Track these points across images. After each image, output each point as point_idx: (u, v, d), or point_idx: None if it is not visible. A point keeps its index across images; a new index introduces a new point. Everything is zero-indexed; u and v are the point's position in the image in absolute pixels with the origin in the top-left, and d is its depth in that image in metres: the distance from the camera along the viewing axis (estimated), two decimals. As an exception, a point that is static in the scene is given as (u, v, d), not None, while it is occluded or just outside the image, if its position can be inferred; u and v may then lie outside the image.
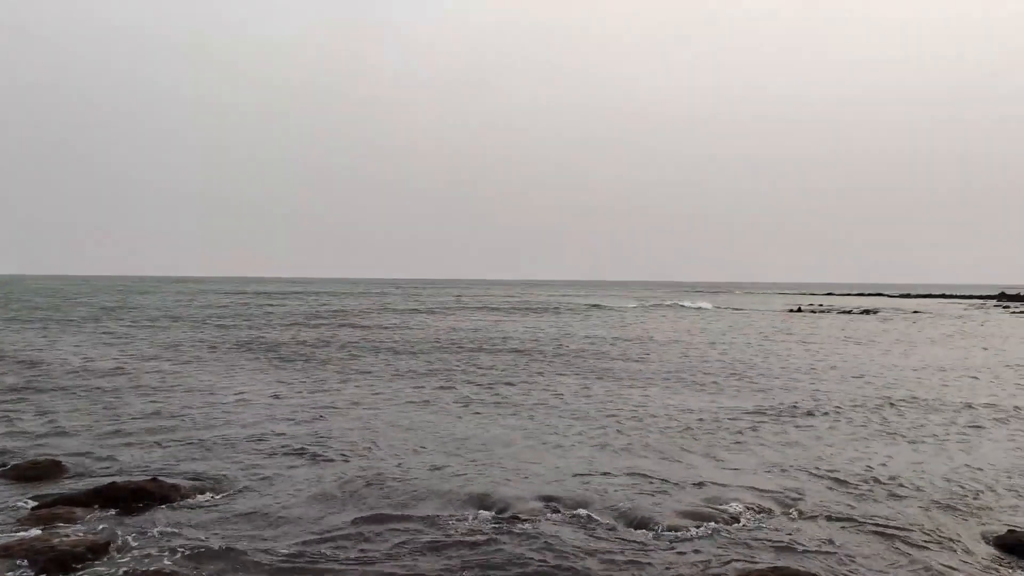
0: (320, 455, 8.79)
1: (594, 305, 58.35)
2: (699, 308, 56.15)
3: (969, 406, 12.49)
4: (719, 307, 58.08)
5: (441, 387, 14.43)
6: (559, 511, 6.75)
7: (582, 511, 6.74)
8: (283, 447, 9.19)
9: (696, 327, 34.18)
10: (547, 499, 7.10)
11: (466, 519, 6.54)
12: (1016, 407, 12.45)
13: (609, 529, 6.38)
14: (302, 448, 9.11)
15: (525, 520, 6.54)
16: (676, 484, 7.64)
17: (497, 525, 6.45)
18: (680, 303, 62.58)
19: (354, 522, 6.45)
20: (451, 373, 16.53)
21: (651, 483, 7.65)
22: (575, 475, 8.00)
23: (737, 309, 54.98)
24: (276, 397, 12.99)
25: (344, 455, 8.81)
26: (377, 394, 13.47)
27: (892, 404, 12.59)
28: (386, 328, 30.60)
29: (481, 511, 6.79)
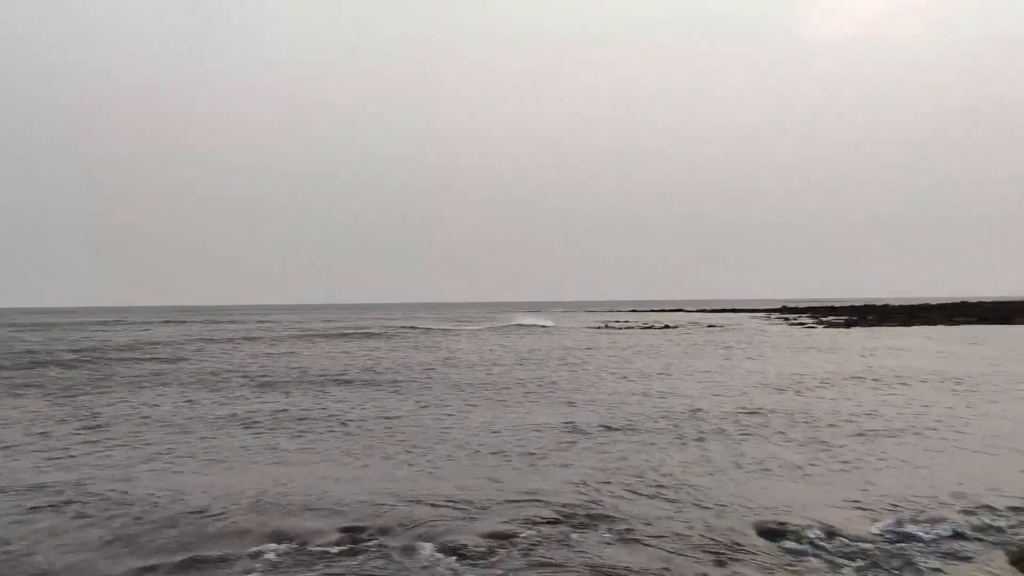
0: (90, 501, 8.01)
1: (410, 328, 58.16)
2: (542, 326, 57.68)
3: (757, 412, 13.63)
4: (556, 325, 59.83)
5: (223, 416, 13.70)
6: (360, 540, 6.60)
7: (386, 539, 6.63)
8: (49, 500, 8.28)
9: (521, 345, 34.96)
10: (347, 529, 6.91)
11: (260, 555, 6.22)
12: (799, 410, 13.72)
13: (411, 555, 6.30)
14: (67, 498, 8.26)
15: (321, 551, 6.32)
16: (482, 506, 7.69)
17: (282, 559, 6.17)
18: (519, 322, 63.88)
19: (139, 571, 5.94)
20: (236, 400, 15.78)
21: (458, 507, 7.65)
22: (376, 503, 7.84)
23: (555, 327, 56.93)
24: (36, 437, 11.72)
25: (123, 497, 8.09)
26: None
27: (693, 412, 13.52)
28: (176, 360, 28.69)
29: (272, 544, 6.49)
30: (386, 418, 13.52)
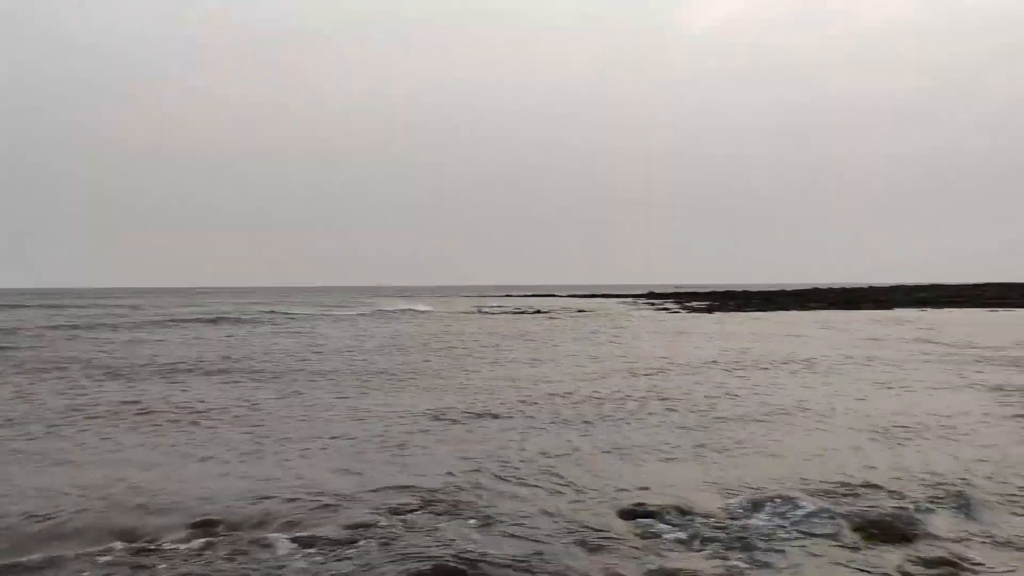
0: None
1: (271, 311, 56.39)
2: (416, 311, 57.01)
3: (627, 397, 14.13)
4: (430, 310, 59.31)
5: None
6: (212, 536, 6.37)
7: (240, 534, 6.43)
8: None
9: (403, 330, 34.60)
10: (198, 525, 6.66)
11: (100, 555, 5.90)
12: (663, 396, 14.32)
13: (266, 549, 6.15)
14: None
15: (171, 549, 6.07)
16: (343, 497, 7.60)
17: (127, 558, 5.89)
18: (391, 308, 62.79)
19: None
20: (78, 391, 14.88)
21: (317, 499, 7.52)
22: (230, 497, 7.60)
23: (430, 312, 56.69)
24: None
25: (-63, 501, 7.44)
26: None
27: (561, 396, 13.86)
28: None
29: (116, 543, 6.17)
30: (242, 408, 13.09)
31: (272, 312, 55.32)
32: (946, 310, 54.53)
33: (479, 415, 12.21)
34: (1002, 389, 14.50)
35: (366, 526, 6.65)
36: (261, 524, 6.75)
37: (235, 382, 16.62)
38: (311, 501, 7.41)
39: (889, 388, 14.97)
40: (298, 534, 6.45)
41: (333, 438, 10.50)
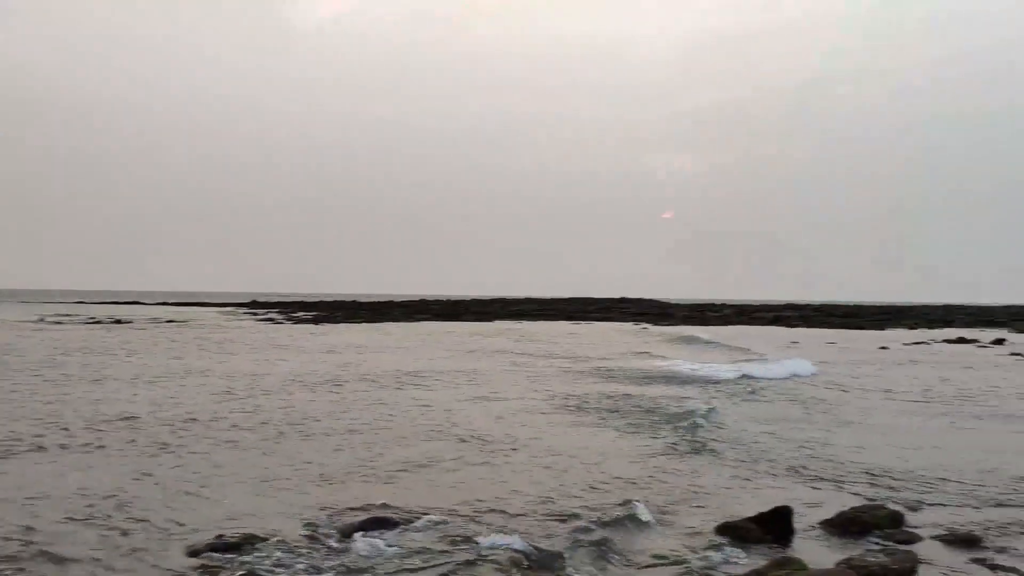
0: None
1: None
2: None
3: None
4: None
5: None
6: None
7: None
8: None
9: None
10: None
11: None
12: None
13: None
14: None
15: None
16: None
17: None
18: None
19: None
20: None
21: None
22: None
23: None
24: None
25: None
26: None
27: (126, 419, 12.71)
28: None
29: None
30: None
31: None
32: (539, 322, 61.41)
33: (28, 449, 10.73)
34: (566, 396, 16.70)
35: None
36: None
37: None
38: None
39: (484, 400, 16.36)
40: None
41: None
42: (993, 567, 6.46)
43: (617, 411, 14.97)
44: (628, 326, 57.91)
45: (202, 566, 6.27)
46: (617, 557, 6.61)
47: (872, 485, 9.30)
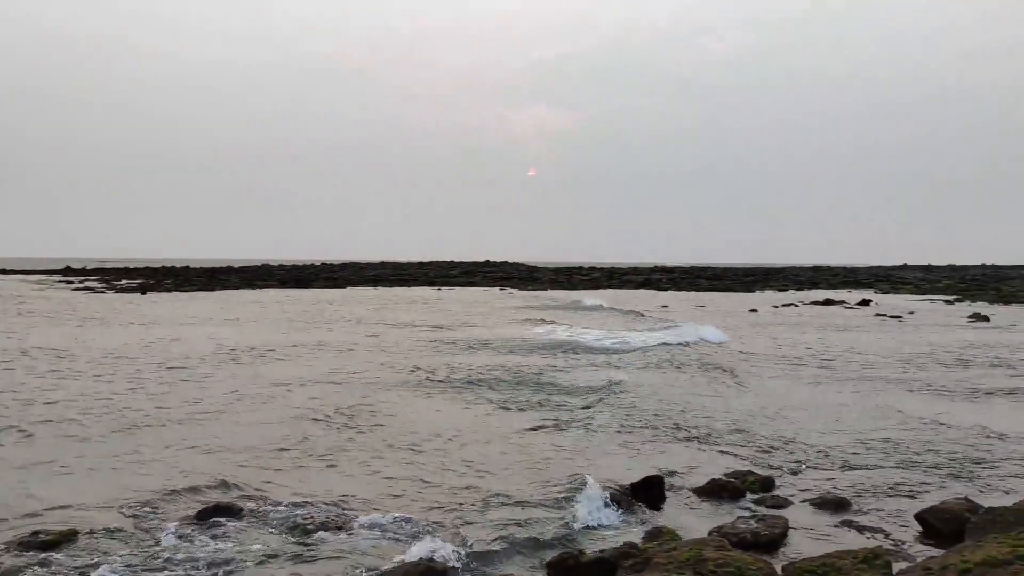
0: None
1: None
2: None
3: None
4: None
5: None
6: None
7: None
8: None
9: None
10: None
11: None
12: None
13: None
14: None
15: None
16: None
17: None
18: None
19: None
20: None
21: None
22: None
23: None
24: None
25: None
26: None
27: None
28: None
29: None
30: None
31: None
32: (397, 288, 60.97)
33: None
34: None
35: None
36: None
37: None
38: None
39: (339, 375, 16.10)
40: None
41: None
42: (860, 529, 6.93)
43: (501, 384, 15.06)
44: (494, 291, 58.39)
45: (12, 567, 5.90)
46: (479, 530, 6.67)
47: (757, 450, 9.81)
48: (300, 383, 14.68)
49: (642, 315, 33.04)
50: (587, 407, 12.57)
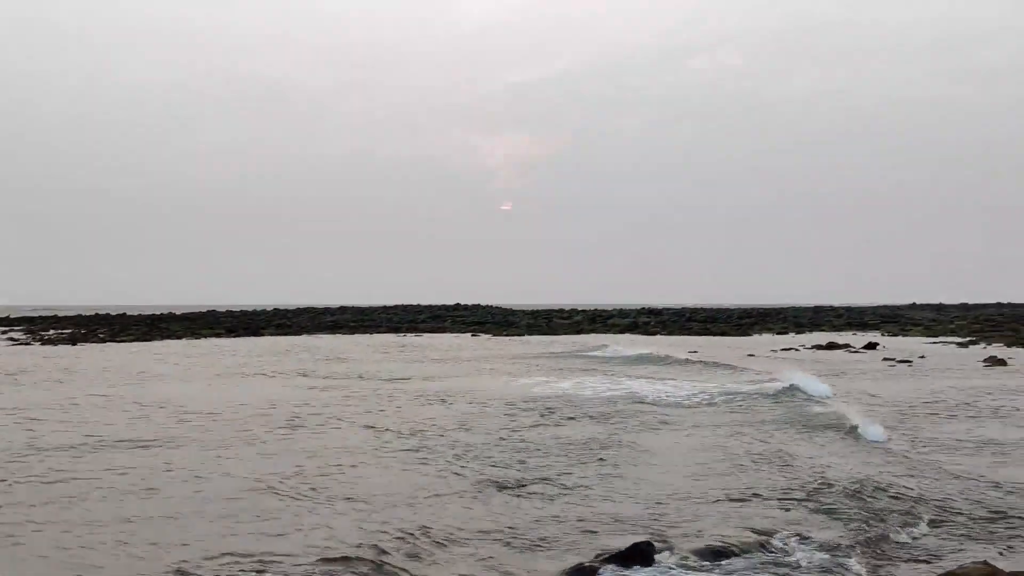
0: None
1: None
2: None
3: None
4: None
5: None
6: None
7: None
8: None
9: None
10: None
11: None
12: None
13: None
14: None
15: None
16: None
17: None
18: None
19: None
20: None
21: None
22: None
23: None
24: None
25: None
26: None
27: None
28: None
29: None
30: None
31: None
32: (356, 336, 60.73)
33: None
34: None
35: None
36: None
37: None
38: None
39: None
40: None
41: None
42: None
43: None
44: (466, 338, 58.31)
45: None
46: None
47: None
48: (246, 448, 14.50)
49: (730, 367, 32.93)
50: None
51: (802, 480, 11.29)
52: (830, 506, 9.83)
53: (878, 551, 8.15)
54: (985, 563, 7.16)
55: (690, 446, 14.35)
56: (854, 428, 15.34)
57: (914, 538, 8.62)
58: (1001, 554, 7.99)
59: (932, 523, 9.16)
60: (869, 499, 10.11)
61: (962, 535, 8.75)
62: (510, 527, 9.13)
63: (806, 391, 20.98)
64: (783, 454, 13.28)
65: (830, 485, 10.85)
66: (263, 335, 61.38)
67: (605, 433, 15.53)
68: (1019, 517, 9.43)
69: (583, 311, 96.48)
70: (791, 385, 21.58)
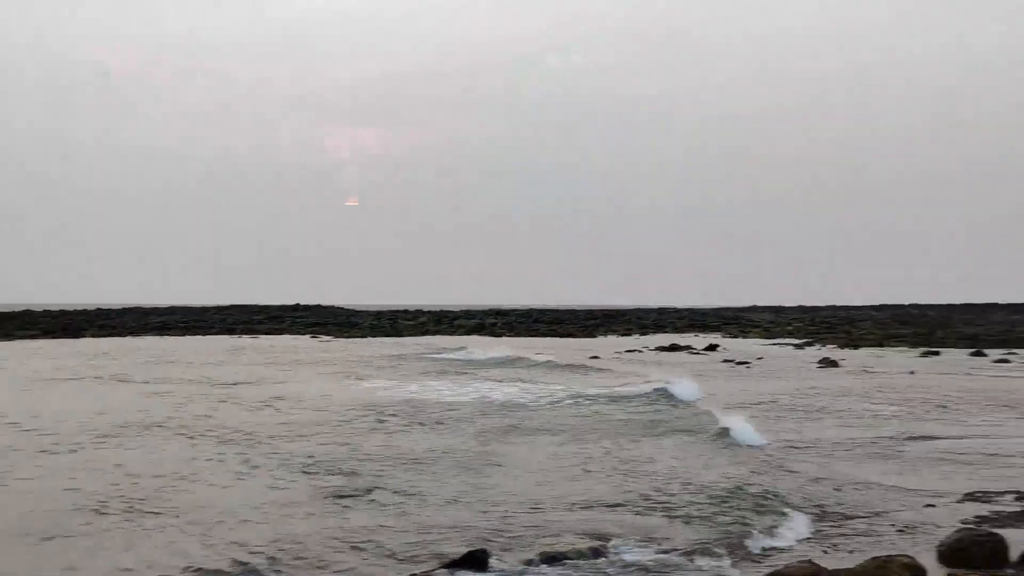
0: None
1: None
2: None
3: None
4: None
5: None
6: None
7: None
8: None
9: None
10: None
11: None
12: None
13: None
14: None
15: None
16: None
17: None
18: None
19: None
20: None
21: None
22: None
23: None
24: None
25: None
26: None
27: None
28: None
29: None
30: None
31: None
32: (187, 338, 58.94)
33: None
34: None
35: None
36: None
37: None
38: None
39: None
40: None
41: None
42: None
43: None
44: (305, 340, 57.47)
45: None
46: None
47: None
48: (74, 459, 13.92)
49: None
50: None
51: (657, 484, 11.65)
52: (682, 509, 10.19)
53: (713, 552, 8.51)
54: (810, 562, 7.58)
55: (544, 452, 14.55)
56: (725, 430, 15.68)
57: (752, 538, 9.04)
58: (825, 552, 8.50)
59: (769, 526, 9.62)
60: (726, 502, 10.52)
61: (806, 536, 9.25)
62: (353, 537, 9.09)
63: (673, 393, 21.47)
64: (636, 458, 13.68)
65: (687, 487, 11.28)
66: (84, 336, 58.82)
67: (452, 439, 15.62)
68: (843, 515, 10.07)
69: (429, 312, 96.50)
70: (656, 389, 22.10)
